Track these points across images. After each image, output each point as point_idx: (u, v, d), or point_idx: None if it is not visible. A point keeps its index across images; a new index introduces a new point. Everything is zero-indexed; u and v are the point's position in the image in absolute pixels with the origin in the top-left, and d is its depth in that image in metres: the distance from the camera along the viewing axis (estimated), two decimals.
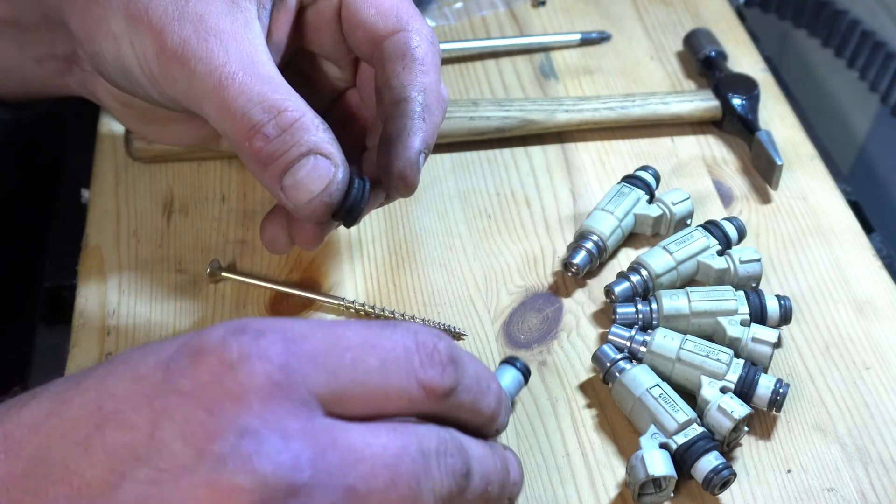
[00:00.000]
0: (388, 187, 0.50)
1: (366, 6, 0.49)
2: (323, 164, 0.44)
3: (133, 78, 0.47)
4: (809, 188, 0.73)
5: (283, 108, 0.44)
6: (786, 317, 0.62)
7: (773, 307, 0.61)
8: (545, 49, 0.85)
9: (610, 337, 0.60)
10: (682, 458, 0.54)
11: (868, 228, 0.71)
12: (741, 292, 0.62)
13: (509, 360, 0.58)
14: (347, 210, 0.48)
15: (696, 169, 0.75)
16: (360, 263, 0.68)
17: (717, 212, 0.71)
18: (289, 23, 0.50)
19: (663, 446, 0.55)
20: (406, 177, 0.48)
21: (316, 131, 0.44)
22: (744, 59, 0.84)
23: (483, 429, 0.42)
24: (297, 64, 0.56)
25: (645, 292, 0.64)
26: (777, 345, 0.60)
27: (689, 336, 0.59)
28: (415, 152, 0.47)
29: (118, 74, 0.48)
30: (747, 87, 0.77)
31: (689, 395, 0.58)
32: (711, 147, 0.77)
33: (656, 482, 0.54)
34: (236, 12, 0.46)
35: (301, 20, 0.52)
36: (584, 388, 0.61)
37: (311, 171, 0.44)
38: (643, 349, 0.59)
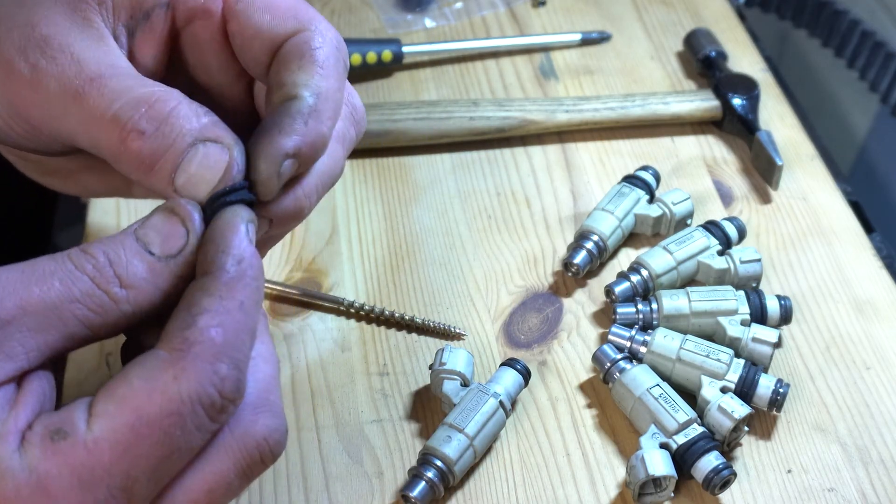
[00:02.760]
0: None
1: (258, 13, 0.43)
2: (214, 150, 0.38)
3: None
4: (809, 188, 0.73)
5: (153, 99, 0.38)
6: (786, 317, 0.62)
7: (773, 307, 0.61)
8: (545, 49, 0.85)
9: (610, 337, 0.60)
10: (683, 458, 0.54)
11: (868, 228, 0.71)
12: (741, 292, 0.62)
13: (509, 362, 0.58)
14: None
15: (696, 169, 0.75)
16: (360, 263, 0.68)
17: (717, 212, 0.71)
18: (156, 45, 0.44)
19: (663, 446, 0.55)
20: (260, 176, 0.39)
21: (197, 118, 0.38)
22: (744, 59, 0.84)
23: None
24: None
25: (645, 292, 0.64)
26: (777, 345, 0.60)
27: (689, 336, 0.59)
28: (278, 152, 0.39)
29: None
30: (747, 87, 0.77)
31: (690, 395, 0.58)
32: (711, 147, 0.77)
33: (656, 482, 0.54)
34: (87, 29, 0.41)
35: (178, 46, 0.45)
36: (584, 388, 0.61)
37: (203, 161, 0.38)
38: (643, 349, 0.59)
